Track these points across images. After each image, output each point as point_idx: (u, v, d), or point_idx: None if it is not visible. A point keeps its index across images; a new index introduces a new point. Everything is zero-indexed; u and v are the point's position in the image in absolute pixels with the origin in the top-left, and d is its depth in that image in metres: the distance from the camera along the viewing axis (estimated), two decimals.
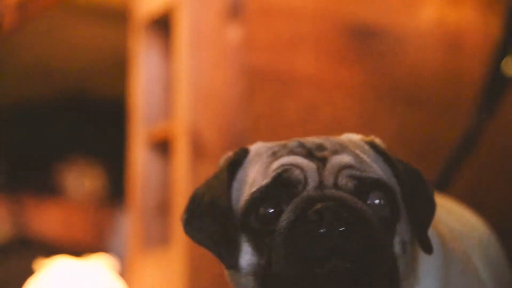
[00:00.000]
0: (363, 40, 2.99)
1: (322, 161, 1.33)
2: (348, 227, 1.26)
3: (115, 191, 5.56)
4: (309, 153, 1.35)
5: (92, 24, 4.76)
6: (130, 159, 3.25)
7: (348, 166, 1.33)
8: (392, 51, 3.04)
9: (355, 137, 1.43)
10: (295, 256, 1.27)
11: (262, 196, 1.33)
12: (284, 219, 1.29)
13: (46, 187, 6.00)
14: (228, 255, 1.35)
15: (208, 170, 2.77)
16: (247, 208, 1.34)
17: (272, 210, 1.32)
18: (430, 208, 1.39)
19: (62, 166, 6.05)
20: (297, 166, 1.33)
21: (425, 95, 3.05)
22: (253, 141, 2.87)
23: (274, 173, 1.34)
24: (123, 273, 3.78)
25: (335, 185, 1.31)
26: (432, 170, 2.37)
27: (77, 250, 4.61)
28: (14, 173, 6.12)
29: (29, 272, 3.75)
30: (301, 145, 1.38)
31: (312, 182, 1.31)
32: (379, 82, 2.99)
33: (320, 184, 1.31)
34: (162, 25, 3.10)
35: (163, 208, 3.10)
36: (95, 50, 5.15)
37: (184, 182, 2.77)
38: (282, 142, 1.42)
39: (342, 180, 1.32)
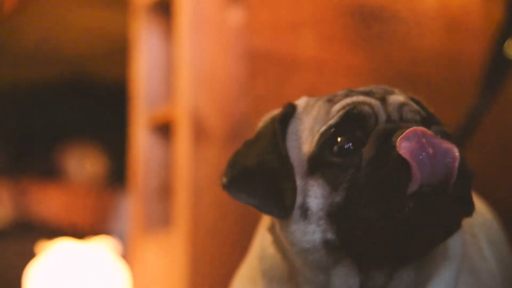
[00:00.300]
0: (365, 23, 2.98)
1: (381, 100, 1.35)
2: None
3: (117, 174, 5.56)
4: (365, 94, 1.37)
5: (93, 7, 4.74)
6: (132, 142, 3.25)
7: (406, 104, 1.36)
8: (394, 34, 3.03)
9: (382, 87, 1.46)
10: (386, 186, 1.25)
11: (337, 130, 1.32)
12: (368, 150, 1.28)
13: (48, 170, 6.01)
14: (285, 202, 1.31)
15: (209, 153, 2.78)
16: (322, 143, 1.32)
17: (350, 144, 1.31)
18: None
19: (63, 149, 6.05)
20: (363, 102, 1.34)
21: (427, 78, 3.04)
22: (254, 124, 2.87)
23: (343, 111, 1.33)
24: (125, 255, 3.80)
25: (402, 119, 1.33)
26: None
27: (79, 232, 4.62)
28: (16, 156, 6.13)
29: (31, 255, 3.76)
30: (352, 91, 1.40)
31: (382, 116, 1.33)
32: (381, 65, 2.98)
33: (389, 119, 1.33)
34: (163, 8, 3.09)
35: (164, 190, 3.10)
36: (96, 33, 5.13)
37: (185, 165, 2.77)
38: (333, 93, 1.42)
39: (407, 115, 1.34)
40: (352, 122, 1.32)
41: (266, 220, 1.50)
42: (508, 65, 2.53)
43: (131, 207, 3.35)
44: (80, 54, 5.57)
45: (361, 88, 1.42)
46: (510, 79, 2.65)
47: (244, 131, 2.78)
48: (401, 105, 1.36)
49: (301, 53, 2.88)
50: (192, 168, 2.75)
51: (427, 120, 1.36)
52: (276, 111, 1.45)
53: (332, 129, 1.32)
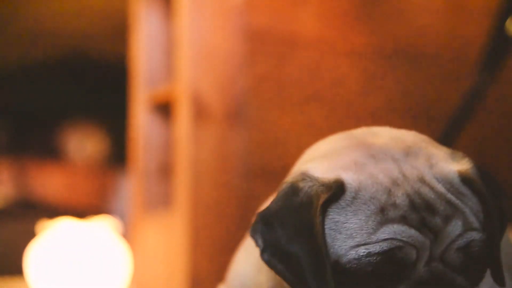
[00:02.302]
0: (368, 1, 2.96)
1: (434, 234, 1.25)
2: None
3: (117, 154, 5.56)
4: (422, 222, 1.25)
5: None
6: (132, 122, 3.24)
7: (458, 236, 1.26)
8: (397, 12, 3.01)
9: (452, 172, 1.32)
10: None
11: (369, 270, 1.23)
12: None
13: (48, 150, 6.01)
14: None
15: (210, 132, 2.77)
16: (350, 272, 1.24)
17: (377, 285, 1.24)
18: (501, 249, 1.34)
19: (64, 129, 6.05)
20: (411, 243, 1.24)
21: (428, 56, 3.03)
22: (255, 103, 2.87)
23: (385, 246, 1.23)
24: (126, 234, 3.80)
25: (442, 258, 1.25)
26: (435, 130, 2.37)
27: (80, 212, 4.62)
28: (16, 136, 6.13)
29: (31, 234, 3.77)
30: (412, 206, 1.26)
31: (423, 259, 1.25)
32: (383, 42, 2.97)
33: (429, 259, 1.25)
34: None
35: (165, 170, 3.10)
36: (97, 11, 5.11)
37: (186, 144, 2.76)
38: (389, 185, 1.27)
39: (450, 255, 1.26)
40: (390, 264, 1.24)
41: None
42: (509, 43, 2.51)
43: (131, 186, 3.34)
44: (80, 32, 5.55)
45: (426, 196, 1.27)
46: (511, 57, 2.64)
47: (245, 110, 2.77)
48: (451, 243, 1.26)
49: (303, 31, 2.86)
50: (192, 147, 2.74)
51: (469, 263, 1.27)
52: (316, 177, 1.30)
53: (367, 266, 1.23)
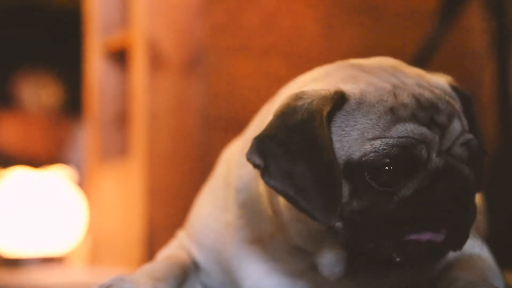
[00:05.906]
0: None
1: (441, 130, 1.33)
2: (465, 210, 1.32)
3: (73, 103, 5.51)
4: (430, 120, 1.32)
5: None
6: (87, 70, 3.20)
7: (462, 134, 1.34)
8: None
9: (444, 84, 1.41)
10: (414, 221, 1.29)
11: (387, 162, 1.28)
12: (410, 187, 1.30)
13: (2, 99, 5.92)
14: (327, 209, 1.27)
15: (166, 80, 2.75)
16: (367, 165, 1.28)
17: (392, 176, 1.29)
18: None
19: (18, 78, 5.96)
20: (423, 141, 1.30)
21: (386, 5, 3.03)
22: (212, 52, 2.85)
23: (400, 142, 1.29)
24: (81, 184, 3.79)
25: (449, 153, 1.33)
26: None
27: (35, 161, 4.59)
28: None
29: None
30: (419, 104, 1.33)
31: (434, 153, 1.32)
32: None
33: (439, 151, 1.32)
34: None
35: (121, 119, 3.08)
36: None
37: (142, 93, 2.74)
38: (392, 89, 1.34)
39: (458, 150, 1.34)
40: (405, 159, 1.29)
41: (238, 152, 1.44)
42: None
43: (87, 136, 3.32)
44: None
45: (428, 98, 1.34)
46: (466, 8, 2.65)
47: (202, 58, 2.75)
48: (456, 139, 1.34)
49: None
50: (148, 96, 2.73)
51: (473, 159, 1.36)
52: (314, 93, 1.32)
53: (385, 158, 1.29)
